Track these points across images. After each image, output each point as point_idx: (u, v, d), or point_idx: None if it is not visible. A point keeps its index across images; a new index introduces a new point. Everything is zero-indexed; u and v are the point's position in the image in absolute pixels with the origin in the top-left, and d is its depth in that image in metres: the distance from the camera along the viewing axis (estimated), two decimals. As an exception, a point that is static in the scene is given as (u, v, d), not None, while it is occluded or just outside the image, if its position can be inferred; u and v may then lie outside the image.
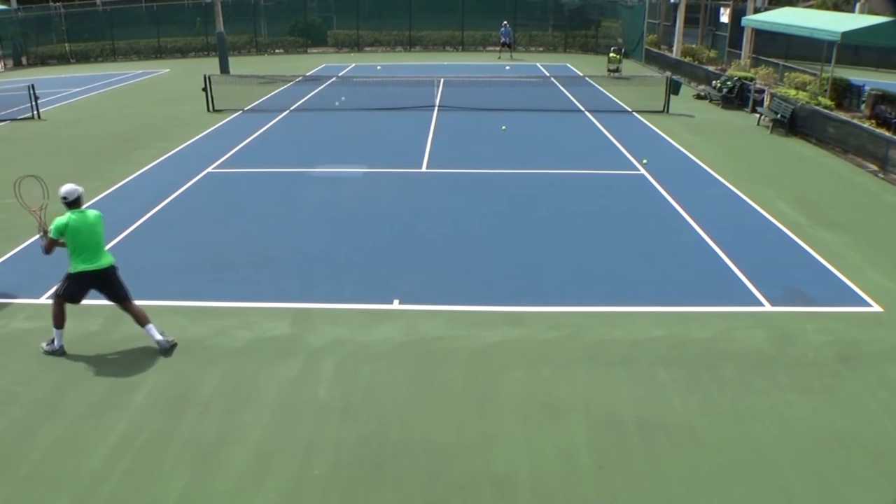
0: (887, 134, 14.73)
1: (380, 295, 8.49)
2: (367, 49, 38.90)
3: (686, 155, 15.35)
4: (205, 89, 20.74)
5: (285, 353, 7.23)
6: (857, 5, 25.97)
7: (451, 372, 6.87)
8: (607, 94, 23.51)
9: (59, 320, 7.14)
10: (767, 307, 8.17)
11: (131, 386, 6.65)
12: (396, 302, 8.32)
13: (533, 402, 6.36)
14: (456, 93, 22.73)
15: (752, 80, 21.51)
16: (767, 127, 18.09)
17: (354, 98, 22.30)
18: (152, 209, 11.78)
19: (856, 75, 21.66)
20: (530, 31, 38.44)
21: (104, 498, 5.23)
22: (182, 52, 38.36)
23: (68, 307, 7.19)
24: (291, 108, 21.09)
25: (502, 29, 34.67)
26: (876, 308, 8.16)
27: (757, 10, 25.79)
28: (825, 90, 19.10)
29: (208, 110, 20.70)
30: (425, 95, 22.02)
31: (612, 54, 28.97)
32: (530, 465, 5.54)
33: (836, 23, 18.39)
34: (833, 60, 18.99)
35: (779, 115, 17.61)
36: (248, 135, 17.40)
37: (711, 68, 25.47)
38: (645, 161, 14.48)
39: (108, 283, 7.19)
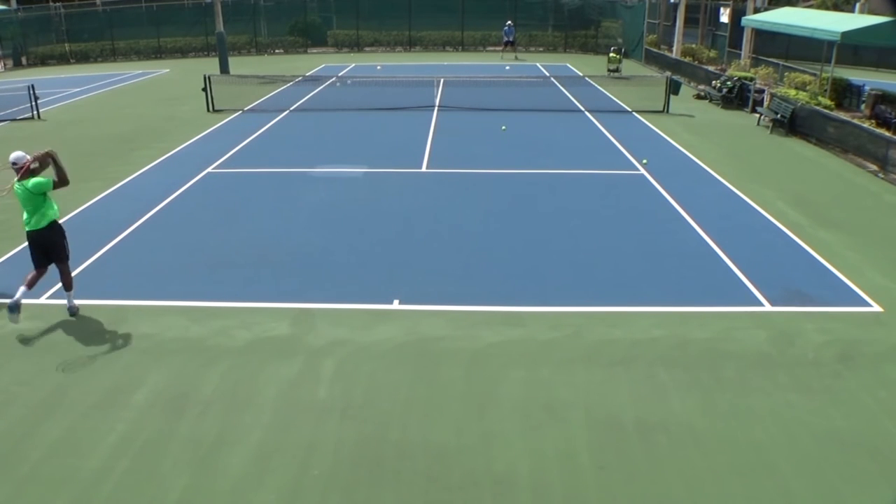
0: (887, 134, 14.73)
1: (380, 295, 8.50)
2: (367, 49, 38.91)
3: (686, 155, 15.35)
4: (205, 89, 20.74)
5: (285, 354, 7.23)
6: (857, 5, 25.95)
7: (451, 372, 6.87)
8: (607, 94, 23.52)
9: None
10: (767, 307, 8.17)
11: (131, 386, 6.66)
12: (396, 302, 8.32)
13: (533, 403, 6.36)
14: (456, 93, 22.73)
15: (751, 80, 21.51)
16: (767, 127, 18.09)
17: (355, 98, 22.29)
18: (152, 209, 11.78)
19: (856, 75, 21.66)
20: (530, 31, 38.43)
21: (104, 498, 5.23)
22: (182, 53, 38.37)
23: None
24: (291, 109, 21.09)
25: (506, 28, 34.69)
26: (876, 308, 8.16)
27: (757, 10, 25.79)
28: (825, 90, 19.11)
29: (208, 110, 20.70)
30: (425, 95, 22.02)
31: (611, 54, 28.97)
32: (530, 466, 5.54)
33: (835, 23, 18.40)
34: (833, 60, 18.99)
35: (779, 115, 17.62)
36: (248, 135, 17.41)
37: (711, 68, 25.47)
38: (645, 161, 14.48)
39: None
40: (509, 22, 34.79)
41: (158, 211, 11.76)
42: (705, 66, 26.25)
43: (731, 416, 6.14)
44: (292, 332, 7.67)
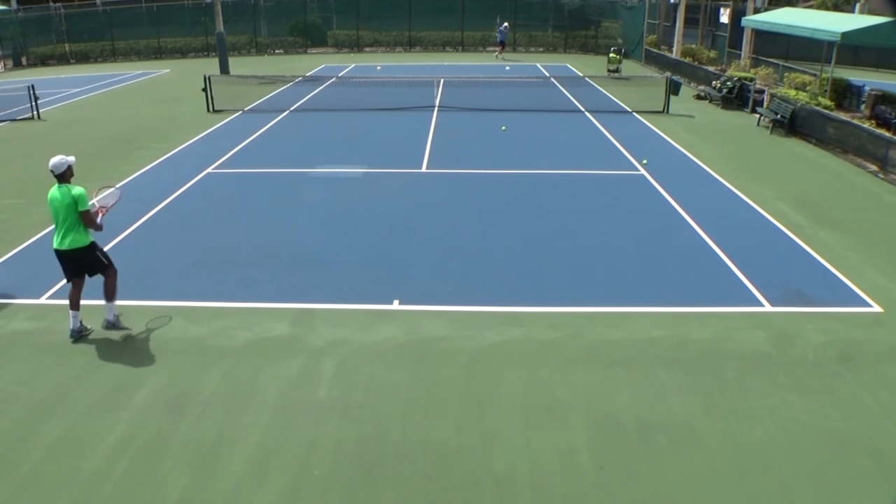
0: (887, 134, 14.73)
1: (380, 295, 8.50)
2: (367, 49, 38.92)
3: (686, 155, 15.36)
4: (205, 90, 20.74)
5: (285, 354, 7.23)
6: (857, 6, 25.96)
7: (451, 372, 6.87)
8: (607, 94, 23.52)
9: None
10: (767, 307, 8.18)
11: (131, 386, 6.65)
12: (396, 302, 8.33)
13: (533, 403, 6.36)
14: (456, 93, 22.74)
15: (751, 80, 21.51)
16: (767, 127, 18.10)
17: (355, 98, 22.29)
18: (152, 209, 11.78)
19: (856, 76, 21.66)
20: (530, 31, 38.46)
21: (104, 498, 5.23)
22: (182, 53, 38.38)
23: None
24: (291, 109, 21.09)
25: (501, 28, 34.67)
26: (876, 308, 8.16)
27: (757, 11, 25.79)
28: (825, 90, 19.11)
29: (208, 111, 20.71)
30: (425, 96, 22.02)
31: (611, 55, 28.97)
32: (530, 466, 5.54)
33: (835, 23, 18.40)
34: (833, 61, 18.99)
35: (779, 116, 17.62)
36: (248, 135, 17.41)
37: (711, 69, 25.47)
38: (645, 161, 14.49)
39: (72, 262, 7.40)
40: (505, 24, 34.77)
41: (158, 211, 11.77)
42: (705, 67, 26.26)
43: (731, 417, 6.14)
44: (292, 333, 7.67)
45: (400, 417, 6.16)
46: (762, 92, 20.07)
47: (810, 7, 28.95)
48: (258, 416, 6.20)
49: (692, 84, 24.90)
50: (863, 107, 18.50)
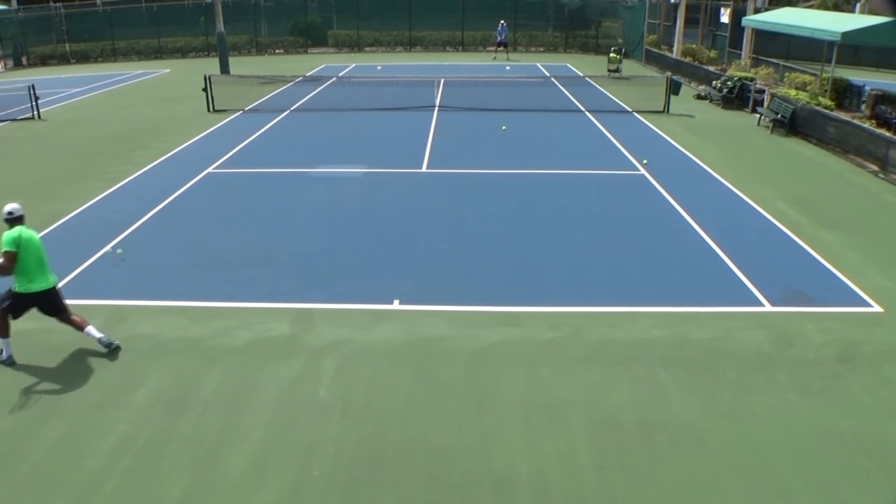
0: (887, 134, 14.72)
1: (380, 295, 8.50)
2: (368, 49, 38.90)
3: (686, 155, 15.35)
4: (205, 89, 20.74)
5: (285, 354, 7.23)
6: (857, 5, 25.96)
7: (451, 372, 6.87)
8: (607, 94, 23.51)
9: (3, 331, 7.01)
10: (768, 307, 8.17)
11: (131, 386, 6.65)
12: (397, 302, 8.33)
13: (533, 403, 6.36)
14: (456, 93, 22.73)
15: (752, 80, 21.50)
16: (768, 127, 18.09)
17: (355, 98, 22.29)
18: (153, 209, 11.78)
19: (856, 75, 21.64)
20: (531, 31, 38.43)
21: (104, 498, 5.23)
22: (182, 53, 38.37)
23: None
24: (292, 109, 21.09)
25: (499, 28, 34.65)
26: (876, 308, 8.16)
27: (757, 11, 25.78)
28: (825, 90, 19.10)
29: (208, 110, 20.70)
30: (425, 96, 22.02)
31: (612, 54, 28.97)
32: (530, 466, 5.54)
33: (836, 23, 18.39)
34: (833, 60, 18.99)
35: (779, 116, 17.61)
36: (249, 135, 17.40)
37: (712, 68, 25.46)
38: (645, 161, 14.48)
39: (51, 301, 7.06)
40: (502, 22, 34.74)
41: (159, 211, 11.76)
42: (706, 67, 26.25)
43: (732, 416, 6.14)
44: (292, 333, 7.67)
45: (400, 417, 6.16)
46: (762, 92, 20.06)
47: (810, 7, 28.94)
48: (258, 415, 6.20)
49: (692, 84, 24.88)
50: (863, 107, 18.49)
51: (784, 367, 6.93)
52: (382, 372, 6.89)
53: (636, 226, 10.92)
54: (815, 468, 5.50)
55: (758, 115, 19.09)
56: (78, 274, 9.16)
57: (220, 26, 29.29)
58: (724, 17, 28.07)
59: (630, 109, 20.64)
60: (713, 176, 13.69)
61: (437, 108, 20.54)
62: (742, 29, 25.18)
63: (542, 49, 38.12)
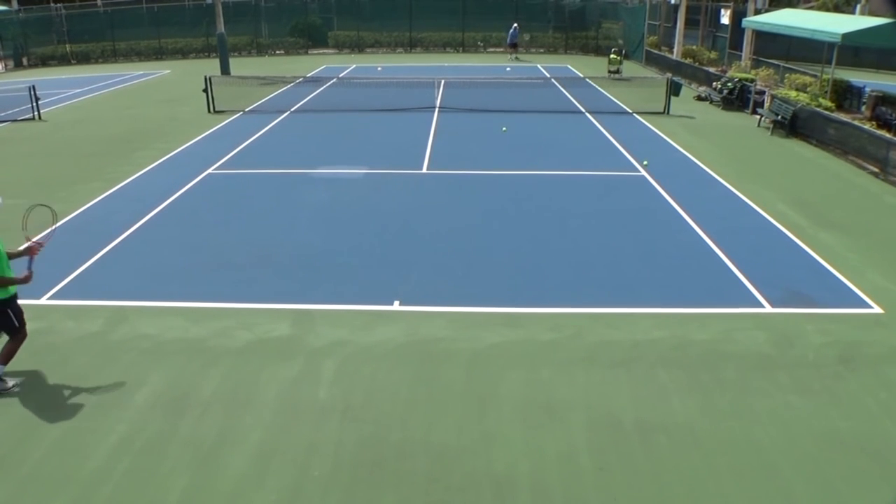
0: (888, 135, 14.71)
1: (380, 296, 8.50)
2: (368, 50, 38.93)
3: (686, 156, 15.35)
4: (205, 90, 20.75)
5: (286, 354, 7.23)
6: (858, 7, 25.95)
7: (451, 373, 6.87)
8: (608, 95, 23.52)
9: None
10: (768, 308, 8.17)
11: (131, 386, 6.65)
12: (397, 303, 8.33)
13: (533, 404, 6.35)
14: (456, 94, 22.75)
15: (752, 81, 21.51)
16: (768, 128, 18.09)
17: (355, 99, 22.30)
18: (153, 210, 11.78)
19: (856, 77, 21.63)
20: (531, 32, 38.43)
21: (104, 498, 5.23)
22: (183, 53, 38.39)
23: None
24: (292, 110, 21.10)
25: (511, 31, 34.72)
26: (876, 309, 8.16)
27: (758, 12, 25.78)
28: (826, 91, 19.10)
29: (209, 111, 20.71)
30: (426, 96, 22.03)
31: (612, 56, 28.96)
32: (530, 466, 5.54)
33: (836, 24, 18.40)
34: (833, 62, 18.99)
35: (779, 117, 17.61)
36: (249, 136, 17.41)
37: (712, 70, 25.46)
38: (645, 162, 14.48)
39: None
40: (515, 24, 34.80)
41: (159, 211, 11.77)
42: (706, 68, 26.25)
43: (732, 417, 6.14)
44: (293, 333, 7.67)
45: (400, 418, 6.16)
46: (763, 93, 20.05)
47: (811, 8, 28.94)
48: (258, 416, 6.20)
49: (693, 85, 24.89)
50: (863, 108, 18.48)
51: (784, 368, 6.92)
52: (383, 372, 6.89)
53: (636, 227, 10.92)
54: (815, 469, 5.49)
55: (758, 117, 19.09)
56: (79, 274, 9.16)
57: (221, 27, 29.31)
58: (725, 19, 28.08)
59: (630, 110, 20.64)
60: (713, 177, 13.69)
61: (437, 109, 20.55)
62: (742, 30, 25.18)
63: (542, 50, 38.14)
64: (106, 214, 11.67)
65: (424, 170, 14.30)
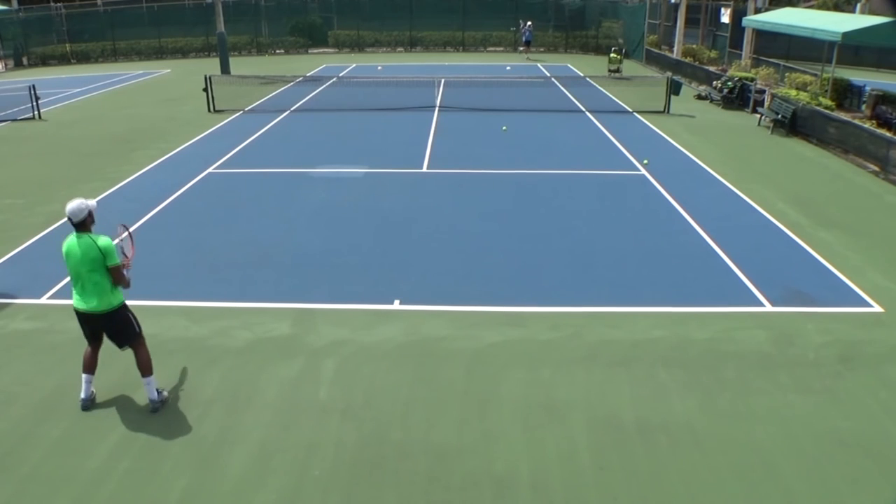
0: (888, 134, 14.71)
1: (380, 295, 8.50)
2: (368, 49, 38.92)
3: (687, 155, 15.35)
4: (205, 90, 20.75)
5: (286, 354, 7.23)
6: (858, 6, 25.94)
7: (451, 372, 6.87)
8: (608, 94, 23.52)
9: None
10: (768, 307, 8.17)
11: (131, 386, 6.65)
12: (397, 302, 8.33)
13: (533, 403, 6.35)
14: (457, 93, 22.74)
15: (752, 80, 21.50)
16: (768, 127, 18.09)
17: (355, 99, 22.29)
18: (153, 210, 11.79)
19: (856, 76, 21.64)
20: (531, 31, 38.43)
21: (104, 498, 5.23)
22: (183, 53, 38.39)
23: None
24: (292, 109, 21.10)
25: (524, 29, 34.72)
26: (876, 308, 8.16)
27: (758, 11, 25.78)
28: (826, 90, 19.09)
29: (209, 111, 20.71)
30: (426, 96, 22.02)
31: (612, 55, 28.98)
32: (531, 466, 5.54)
33: (836, 23, 18.38)
34: (834, 61, 18.99)
35: (779, 116, 17.61)
36: (249, 135, 17.41)
37: (712, 69, 25.46)
38: (645, 161, 14.48)
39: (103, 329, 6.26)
40: (529, 23, 34.79)
41: (159, 211, 11.77)
42: (706, 67, 26.25)
43: (732, 417, 6.14)
44: (293, 333, 7.67)
45: (400, 417, 6.16)
46: (763, 92, 20.05)
47: (811, 7, 28.93)
48: (259, 416, 6.20)
49: (693, 84, 24.88)
50: (863, 107, 18.48)
51: (784, 367, 6.92)
52: (383, 372, 6.89)
53: (636, 226, 10.92)
54: (815, 468, 5.49)
55: (758, 116, 19.09)
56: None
57: (221, 26, 29.30)
58: (725, 18, 28.07)
59: (630, 110, 20.64)
60: (713, 176, 13.69)
61: (437, 109, 20.54)
62: (742, 29, 25.18)
63: (542, 49, 38.10)
64: (106, 214, 11.57)
65: (425, 169, 14.30)
